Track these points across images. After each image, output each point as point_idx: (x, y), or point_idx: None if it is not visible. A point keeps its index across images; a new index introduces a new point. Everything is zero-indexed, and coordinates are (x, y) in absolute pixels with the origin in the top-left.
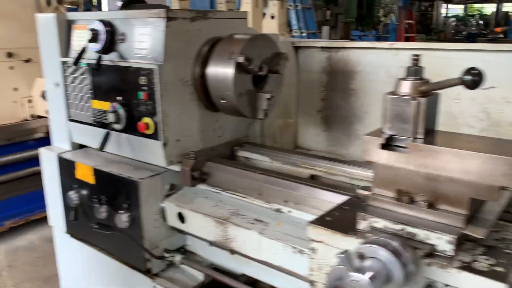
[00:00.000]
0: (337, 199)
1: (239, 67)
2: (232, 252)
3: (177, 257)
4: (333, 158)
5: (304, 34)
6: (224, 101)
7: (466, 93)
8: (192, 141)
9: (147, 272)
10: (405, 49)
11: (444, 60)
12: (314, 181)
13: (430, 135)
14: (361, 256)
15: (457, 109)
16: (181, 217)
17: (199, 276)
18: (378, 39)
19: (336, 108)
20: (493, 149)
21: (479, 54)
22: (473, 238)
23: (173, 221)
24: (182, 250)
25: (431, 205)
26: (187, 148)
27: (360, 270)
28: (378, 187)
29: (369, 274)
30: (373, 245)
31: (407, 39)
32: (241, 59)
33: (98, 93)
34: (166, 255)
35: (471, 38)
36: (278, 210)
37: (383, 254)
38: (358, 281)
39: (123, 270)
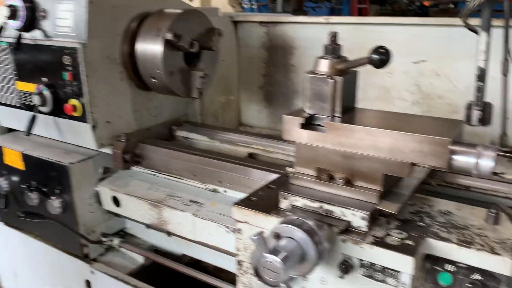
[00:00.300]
0: (270, 177)
1: (168, 44)
2: (169, 234)
3: (116, 241)
4: (271, 135)
5: (254, 6)
6: (155, 80)
7: (398, 67)
8: (124, 122)
9: (85, 258)
10: (340, 24)
11: (377, 34)
12: (248, 160)
13: (348, 114)
14: (277, 236)
15: (390, 83)
16: (116, 201)
17: (140, 259)
18: (332, 10)
19: (277, 84)
20: (404, 126)
21: (410, 28)
22: (387, 213)
23: (108, 205)
24: (122, 233)
25: (348, 182)
26: (120, 130)
27: (274, 251)
28: (299, 166)
29: (282, 255)
30: (287, 225)
31: (360, 11)
32: (169, 36)
33: (22, 74)
34: (104, 239)
35: (424, 8)
36: (214, 190)
37: (298, 233)
38: (272, 262)
39: (60, 256)
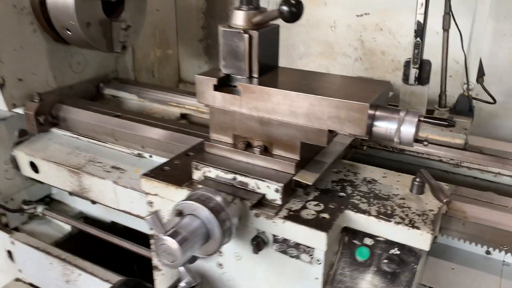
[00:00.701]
0: (194, 142)
1: None
2: (93, 202)
3: (39, 208)
4: None
5: None
6: (70, 33)
7: (342, 21)
8: (41, 80)
9: (5, 227)
10: None
11: None
12: (174, 122)
13: (268, 74)
14: (180, 214)
15: (333, 37)
16: (34, 167)
17: (67, 227)
18: None
19: (217, 37)
20: (324, 89)
21: None
22: (306, 184)
23: (27, 171)
24: (47, 199)
25: (266, 151)
26: (35, 88)
27: (172, 233)
28: (215, 133)
29: (180, 237)
30: (190, 202)
31: None
32: None
33: None
34: (25, 207)
35: None
36: (139, 155)
37: (201, 211)
38: (168, 245)
39: None
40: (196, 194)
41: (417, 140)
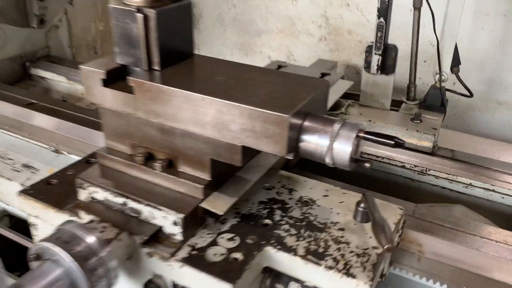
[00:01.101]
0: None
1: None
2: (7, 203)
3: None
4: None
5: None
6: None
7: None
8: None
9: None
10: None
11: None
12: (95, 114)
13: (175, 66)
14: (37, 258)
15: (295, 12)
16: None
17: None
18: None
19: None
20: (241, 90)
21: None
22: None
23: None
24: None
25: (171, 167)
26: None
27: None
28: (110, 140)
29: None
30: (48, 244)
31: None
32: None
33: None
34: None
35: None
36: (57, 151)
37: (62, 257)
38: None
39: None
40: (60, 231)
41: (356, 160)
